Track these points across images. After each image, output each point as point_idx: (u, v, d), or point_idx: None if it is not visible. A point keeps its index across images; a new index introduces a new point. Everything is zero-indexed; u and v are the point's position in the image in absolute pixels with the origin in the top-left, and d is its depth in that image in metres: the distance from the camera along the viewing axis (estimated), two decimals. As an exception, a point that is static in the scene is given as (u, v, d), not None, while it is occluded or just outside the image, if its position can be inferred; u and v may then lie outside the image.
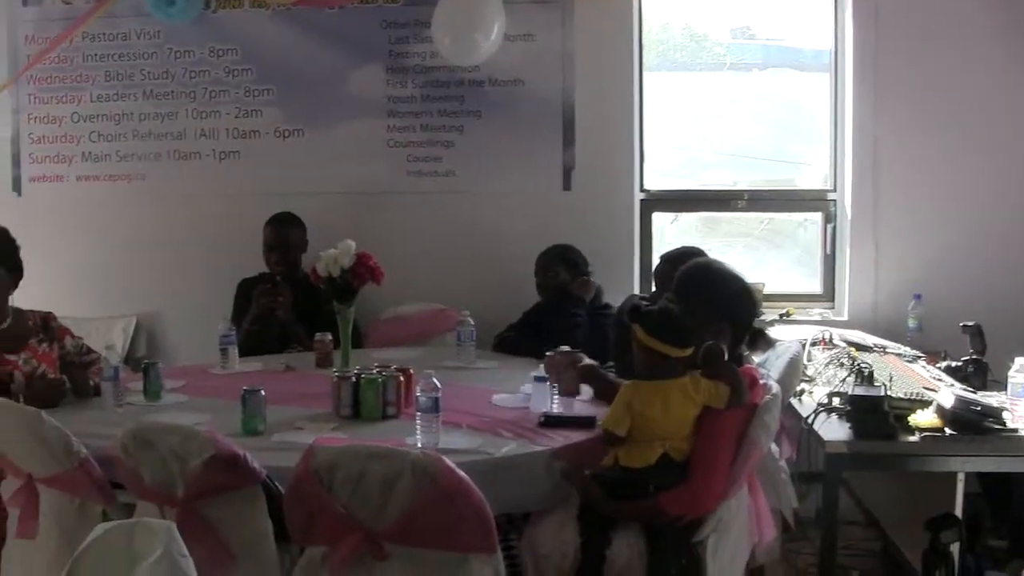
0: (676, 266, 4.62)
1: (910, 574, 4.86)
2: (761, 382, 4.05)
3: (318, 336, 5.22)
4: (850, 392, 4.45)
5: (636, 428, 3.83)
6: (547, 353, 4.54)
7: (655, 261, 6.11)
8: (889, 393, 4.42)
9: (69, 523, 3.83)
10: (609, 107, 6.14)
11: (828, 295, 6.39)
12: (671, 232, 6.41)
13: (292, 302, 5.64)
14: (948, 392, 4.44)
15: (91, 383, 4.60)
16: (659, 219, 6.36)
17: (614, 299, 5.75)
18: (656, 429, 3.83)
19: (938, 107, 6.10)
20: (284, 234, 5.90)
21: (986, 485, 4.91)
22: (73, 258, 6.51)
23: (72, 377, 4.60)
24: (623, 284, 5.99)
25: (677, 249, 5.04)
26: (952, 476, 4.41)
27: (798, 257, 6.53)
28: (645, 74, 6.25)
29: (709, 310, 4.00)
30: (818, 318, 6.21)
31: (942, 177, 6.15)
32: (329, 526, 3.31)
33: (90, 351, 4.76)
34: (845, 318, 6.21)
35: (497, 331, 5.67)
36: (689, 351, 3.84)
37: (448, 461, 3.27)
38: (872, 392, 4.41)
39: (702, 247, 5.18)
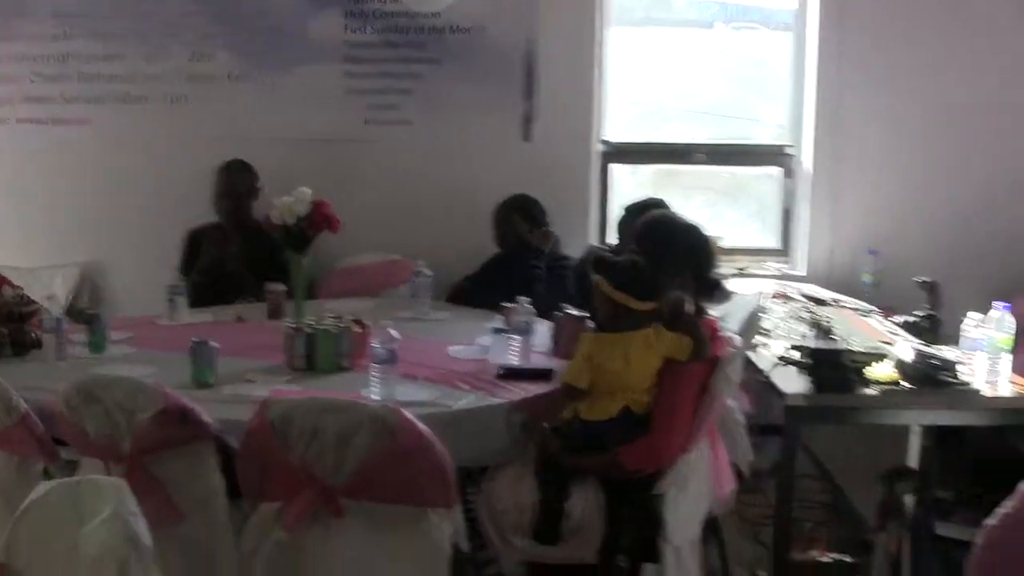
0: (638, 217, 4.58)
1: (862, 526, 4.89)
2: (722, 335, 4.02)
3: (270, 286, 5.13)
4: (810, 346, 4.41)
5: (597, 381, 3.79)
6: (557, 313, 4.45)
7: (613, 212, 6.12)
8: (849, 347, 4.39)
9: (8, 482, 3.68)
10: (571, 58, 6.04)
11: (784, 249, 6.36)
12: (629, 184, 6.35)
13: (243, 251, 5.54)
14: (906, 346, 4.44)
15: (31, 335, 4.46)
16: (618, 171, 6.29)
17: (572, 250, 5.72)
18: (617, 382, 3.79)
19: (899, 65, 6.05)
20: (235, 181, 5.79)
21: (937, 437, 4.91)
22: (12, 205, 6.34)
23: (11, 329, 4.46)
24: (581, 235, 5.94)
25: (641, 200, 4.97)
26: (906, 429, 4.42)
27: (756, 212, 6.49)
28: (607, 28, 6.15)
29: (673, 262, 3.96)
30: (775, 272, 6.18)
31: (900, 134, 6.12)
32: (283, 481, 3.24)
33: (31, 301, 4.61)
34: (801, 272, 6.18)
35: (454, 281, 5.60)
36: (652, 304, 3.80)
37: (407, 414, 3.21)
38: (832, 346, 4.40)
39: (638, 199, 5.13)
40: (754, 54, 6.45)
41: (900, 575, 3.91)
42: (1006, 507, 2.80)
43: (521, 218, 5.56)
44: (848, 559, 4.66)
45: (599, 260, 3.89)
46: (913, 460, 4.42)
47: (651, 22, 6.44)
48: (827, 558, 4.69)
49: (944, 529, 4.86)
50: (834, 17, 6.05)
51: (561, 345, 4.30)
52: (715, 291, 4.10)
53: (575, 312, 4.37)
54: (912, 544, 3.94)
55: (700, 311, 4.02)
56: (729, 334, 4.13)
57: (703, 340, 3.81)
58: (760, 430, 4.72)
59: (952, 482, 5.20)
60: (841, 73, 6.08)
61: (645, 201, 4.95)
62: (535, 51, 6.03)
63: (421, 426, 3.20)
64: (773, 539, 4.36)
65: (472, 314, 5.12)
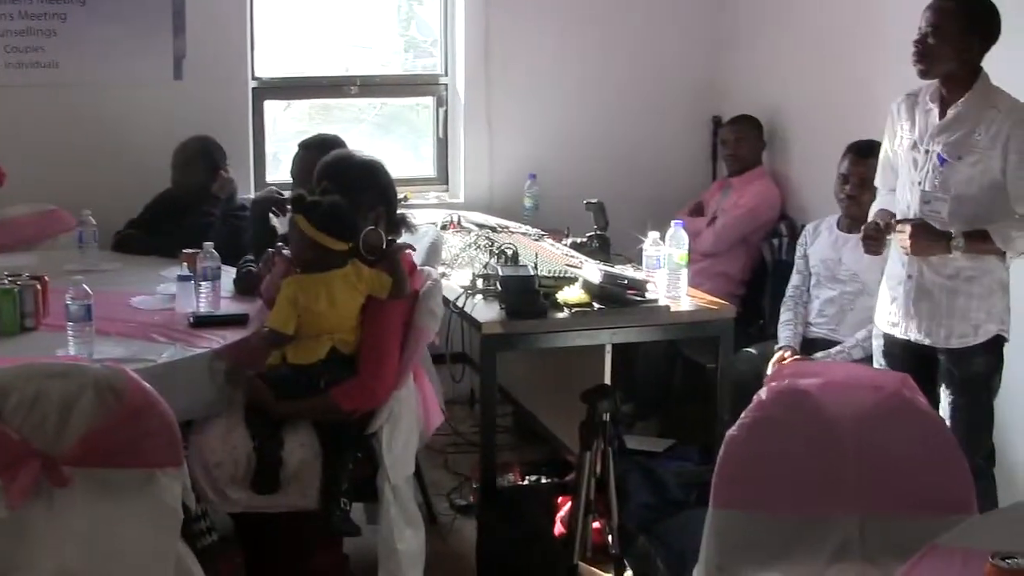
0: (317, 154, 4.50)
1: (552, 442, 5.02)
2: (419, 269, 4.02)
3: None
4: (500, 273, 4.45)
5: (303, 324, 3.74)
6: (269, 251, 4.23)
7: (269, 150, 5.98)
8: (537, 272, 4.46)
9: None
10: (219, -9, 5.81)
11: (442, 178, 6.40)
12: (284, 120, 6.23)
13: None
14: (594, 268, 4.55)
15: None
16: (271, 107, 6.13)
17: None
18: (323, 323, 3.75)
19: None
20: None
21: (618, 354, 5.08)
22: None
23: None
24: (238, 174, 5.69)
25: (315, 136, 4.86)
26: (600, 348, 4.54)
27: (412, 142, 6.49)
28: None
29: (367, 199, 3.92)
30: (435, 201, 6.22)
31: (552, 60, 6.29)
32: (1, 456, 2.99)
33: None
34: (461, 200, 6.26)
35: (113, 229, 5.31)
36: (350, 243, 3.76)
37: (133, 373, 3.03)
38: (521, 272, 4.45)
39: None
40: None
41: (607, 490, 4.02)
42: (744, 416, 2.92)
43: (203, 163, 5.30)
44: (551, 480, 4.77)
45: (299, 199, 3.79)
46: (607, 379, 4.54)
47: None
48: (528, 481, 4.78)
49: (629, 441, 5.08)
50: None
51: (266, 287, 4.14)
52: (403, 226, 4.08)
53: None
54: (613, 459, 4.06)
55: (393, 246, 3.99)
56: (425, 267, 4.14)
57: (403, 277, 3.81)
58: (454, 359, 4.77)
59: (629, 396, 5.44)
60: (491, 2, 6.13)
61: (320, 137, 4.84)
62: (183, -14, 5.74)
63: (146, 385, 3.03)
64: (481, 467, 4.40)
65: (146, 262, 4.88)
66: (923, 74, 3.80)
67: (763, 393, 2.97)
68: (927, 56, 3.75)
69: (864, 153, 4.76)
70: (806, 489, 2.88)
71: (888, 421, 2.89)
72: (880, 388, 2.96)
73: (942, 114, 3.81)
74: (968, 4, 3.74)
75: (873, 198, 4.31)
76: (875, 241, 3.91)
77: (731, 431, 2.93)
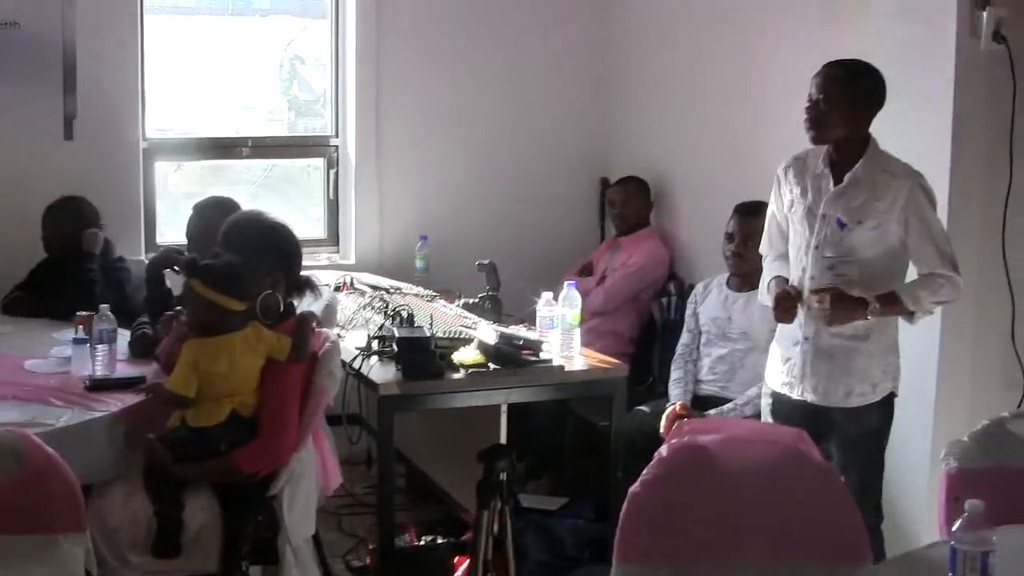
0: (210, 215, 4.54)
1: (447, 502, 5.04)
2: (317, 330, 4.04)
3: None
4: (396, 334, 4.48)
5: (203, 386, 3.73)
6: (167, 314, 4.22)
7: (160, 211, 5.96)
8: (434, 333, 4.50)
9: None
10: (111, 51, 5.76)
11: (333, 239, 6.43)
12: (175, 181, 6.21)
13: None
14: (488, 329, 4.60)
15: None
16: (162, 168, 6.12)
17: (124, 250, 5.50)
18: (224, 386, 3.75)
19: (440, 51, 6.31)
20: None
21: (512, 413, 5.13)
22: None
23: None
24: (129, 236, 5.71)
25: (211, 198, 4.87)
26: (495, 408, 4.59)
27: (302, 204, 6.51)
28: (147, 16, 5.94)
29: (266, 261, 3.93)
30: (326, 262, 6.24)
31: (443, 121, 6.38)
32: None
33: None
34: (352, 261, 6.29)
35: (2, 293, 5.25)
36: (247, 303, 3.77)
37: (35, 437, 3.01)
38: (417, 333, 4.48)
39: (204, 196, 5.06)
40: (296, 43, 6.45)
41: (504, 549, 4.06)
42: (646, 473, 2.98)
43: (71, 220, 5.26)
44: (447, 540, 4.79)
45: (191, 263, 3.80)
46: (503, 438, 4.59)
47: (191, 11, 6.30)
48: (424, 541, 4.80)
49: (524, 500, 5.11)
50: (371, 7, 6.16)
51: (163, 350, 4.12)
52: (304, 288, 4.10)
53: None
54: (510, 518, 4.10)
55: (292, 307, 4.02)
56: (323, 329, 4.17)
57: (305, 341, 3.84)
58: (350, 421, 4.78)
59: (522, 454, 5.47)
60: (380, 59, 6.22)
61: (215, 199, 4.86)
62: (74, 45, 5.68)
63: (49, 449, 3.02)
64: (379, 528, 4.40)
65: (37, 324, 4.84)
66: (815, 140, 3.91)
67: (663, 450, 3.03)
68: (819, 122, 3.87)
69: (750, 212, 4.87)
70: (707, 541, 2.94)
71: (785, 474, 2.97)
72: (776, 443, 3.05)
73: (837, 179, 3.92)
74: (856, 72, 3.87)
75: (758, 256, 4.40)
76: (789, 311, 3.96)
77: (633, 487, 2.99)
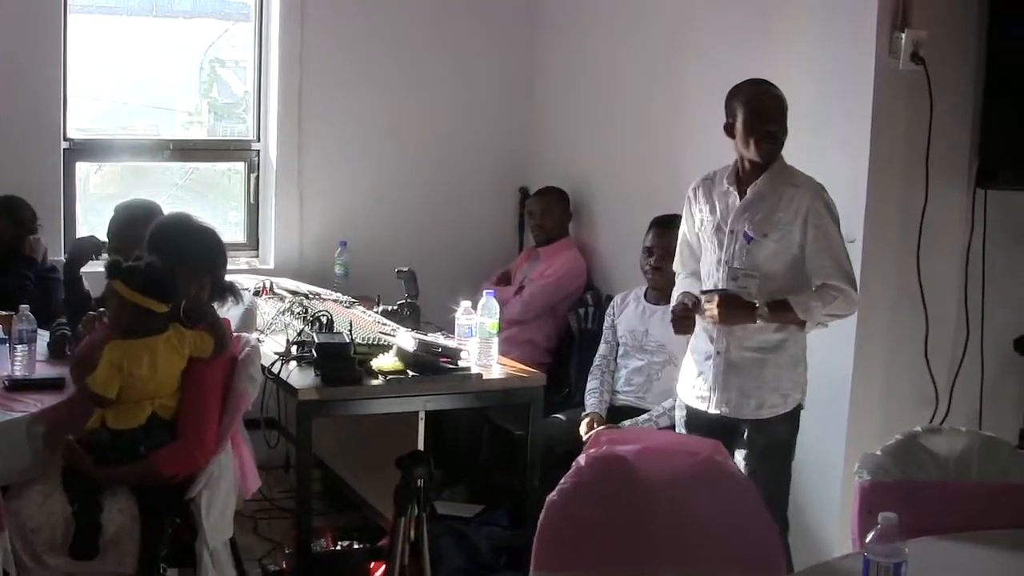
0: (132, 216, 4.58)
1: (363, 508, 5.06)
2: (237, 334, 4.06)
3: None
4: (315, 340, 4.50)
5: (124, 388, 3.72)
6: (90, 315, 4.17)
7: (79, 213, 5.91)
8: (353, 339, 4.52)
9: None
10: (32, 50, 5.71)
11: (253, 244, 6.43)
12: (95, 182, 6.17)
13: None
14: (407, 336, 4.63)
15: None
16: (83, 169, 6.08)
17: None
18: (145, 388, 3.75)
19: (363, 57, 6.34)
20: None
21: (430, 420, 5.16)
22: None
23: None
24: (50, 237, 5.61)
25: (133, 200, 4.86)
26: (412, 415, 4.61)
27: (222, 207, 6.49)
28: (70, 16, 5.89)
29: (192, 264, 3.94)
30: (245, 266, 6.23)
31: (365, 128, 6.40)
32: None
33: None
34: (271, 266, 6.29)
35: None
36: (170, 305, 3.77)
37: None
38: (337, 339, 4.50)
39: (127, 198, 5.07)
40: (217, 46, 6.44)
41: (421, 556, 4.09)
42: (563, 482, 3.03)
43: (8, 222, 5.22)
44: (364, 545, 4.81)
45: (114, 265, 3.78)
46: (420, 445, 4.62)
47: (105, 10, 6.24)
48: (340, 546, 4.81)
49: (440, 507, 5.15)
50: (296, 11, 6.17)
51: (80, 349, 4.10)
52: (227, 293, 4.12)
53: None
54: (427, 524, 4.13)
55: (212, 310, 4.03)
56: (243, 334, 4.18)
57: (224, 335, 3.85)
58: (268, 425, 4.80)
59: (438, 462, 5.50)
60: (304, 68, 6.23)
61: (137, 201, 4.86)
62: (-9, 44, 5.63)
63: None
64: (297, 532, 4.43)
65: (-44, 326, 4.77)
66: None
67: (581, 459, 3.08)
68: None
69: (667, 226, 4.94)
70: (624, 551, 2.99)
71: (701, 485, 3.03)
72: (694, 454, 3.11)
73: (742, 194, 4.02)
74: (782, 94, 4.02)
75: None
76: (685, 320, 4.07)
77: (551, 496, 3.03)
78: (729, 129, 4.03)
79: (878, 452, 3.24)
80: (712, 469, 3.07)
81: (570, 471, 3.06)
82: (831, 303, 3.89)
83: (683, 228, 4.29)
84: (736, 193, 4.04)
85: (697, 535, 2.98)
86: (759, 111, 3.95)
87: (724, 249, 4.03)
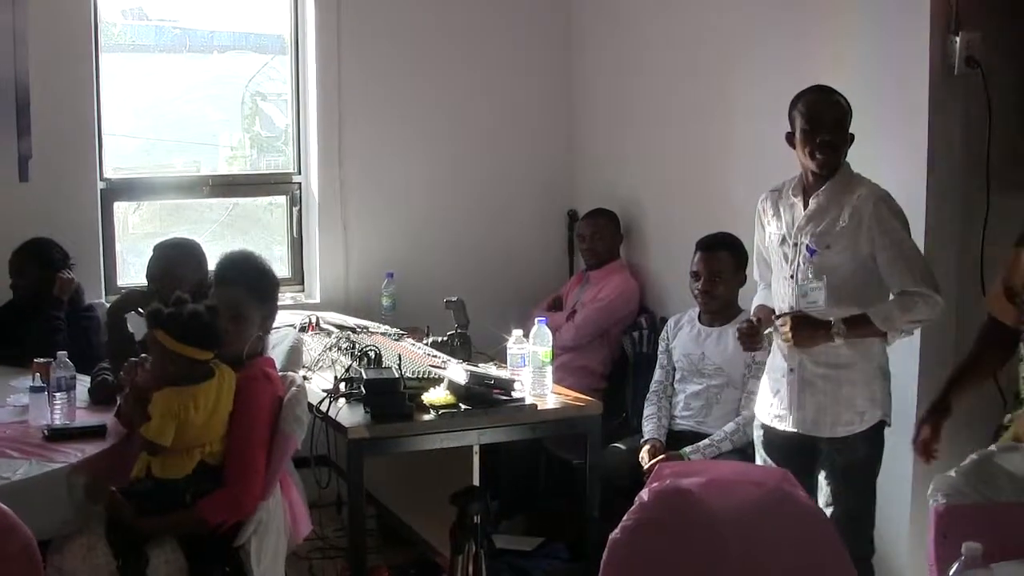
0: (172, 256, 4.62)
1: (419, 545, 4.94)
2: (280, 375, 3.96)
3: None
4: (364, 376, 4.38)
5: (177, 436, 3.62)
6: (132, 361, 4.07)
7: (119, 252, 5.84)
8: (402, 374, 4.40)
9: None
10: (66, 91, 5.64)
11: (297, 278, 6.32)
12: (134, 222, 6.11)
13: None
14: (458, 368, 4.51)
15: None
16: (121, 208, 5.99)
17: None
18: (196, 436, 3.67)
19: (401, 85, 6.22)
20: None
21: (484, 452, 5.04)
22: None
23: None
24: (88, 278, 5.56)
25: (172, 239, 4.81)
26: (467, 449, 4.48)
27: (265, 242, 6.40)
28: (103, 55, 5.82)
29: (263, 303, 3.96)
30: (291, 302, 6.12)
31: (408, 158, 6.30)
32: None
33: None
34: (317, 300, 6.19)
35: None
36: (214, 352, 3.69)
37: (-11, 494, 2.90)
38: (386, 375, 4.38)
39: (167, 236, 5.06)
40: (256, 80, 6.37)
41: (480, 593, 3.98)
42: (627, 519, 2.89)
43: (38, 265, 5.16)
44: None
45: (156, 314, 3.69)
46: (476, 479, 4.49)
47: (140, 48, 6.19)
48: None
49: (498, 541, 5.01)
50: (332, 43, 6.07)
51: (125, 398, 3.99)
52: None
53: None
54: (485, 561, 4.02)
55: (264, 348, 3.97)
56: (288, 372, 4.08)
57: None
58: (319, 464, 4.69)
59: (494, 494, 5.37)
60: (342, 96, 6.13)
61: (175, 240, 4.82)
62: (27, 85, 5.54)
63: (3, 506, 2.90)
64: (352, 573, 4.30)
65: (-6, 372, 4.72)
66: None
67: (644, 494, 2.93)
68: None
69: (711, 247, 4.84)
70: (692, 588, 2.86)
71: (770, 517, 2.88)
72: (761, 484, 2.95)
73: (806, 205, 3.88)
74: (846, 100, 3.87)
75: (728, 290, 4.59)
76: (751, 338, 3.96)
77: (613, 534, 2.90)
78: (790, 139, 3.89)
79: (952, 474, 3.12)
80: (780, 500, 2.91)
81: (633, 507, 2.93)
82: (912, 309, 3.72)
83: (756, 239, 4.19)
84: (801, 204, 3.91)
85: (767, 570, 2.83)
86: (814, 120, 3.80)
87: (789, 262, 3.91)
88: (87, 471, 3.66)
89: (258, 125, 6.51)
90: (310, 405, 4.22)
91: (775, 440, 4.05)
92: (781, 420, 4.00)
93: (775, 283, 4.03)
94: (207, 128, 6.40)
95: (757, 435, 4.17)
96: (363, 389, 4.35)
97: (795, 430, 3.95)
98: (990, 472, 3.11)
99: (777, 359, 4.02)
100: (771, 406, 4.04)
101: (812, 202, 3.86)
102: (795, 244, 3.89)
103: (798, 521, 2.89)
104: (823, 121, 3.80)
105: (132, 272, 5.84)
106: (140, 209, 6.20)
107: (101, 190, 5.86)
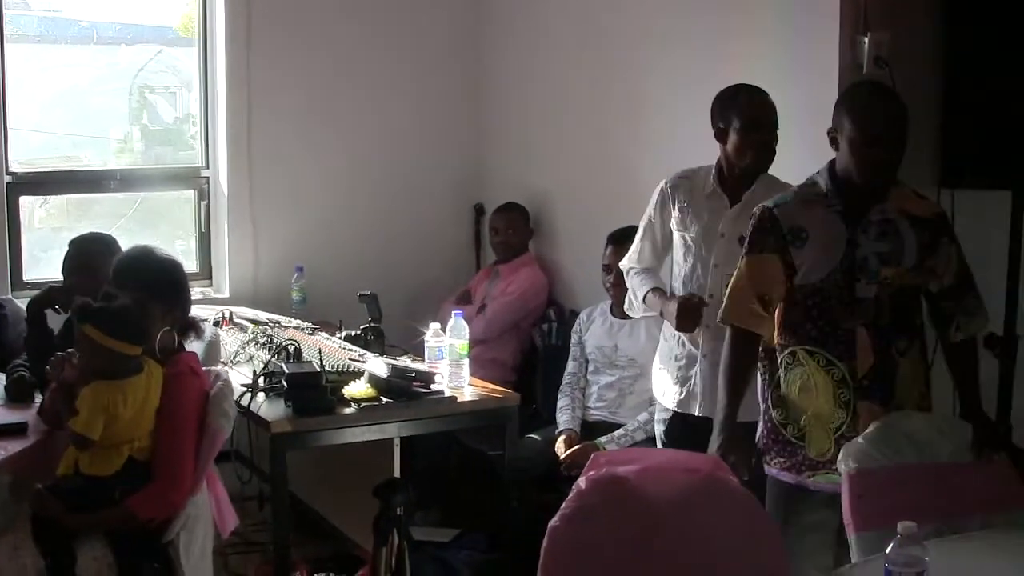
0: (89, 250, 4.51)
1: (337, 538, 4.96)
2: (205, 370, 3.96)
3: None
4: (285, 371, 4.38)
5: (105, 431, 3.60)
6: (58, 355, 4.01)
7: (25, 248, 5.75)
8: (323, 368, 4.41)
9: None
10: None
11: (206, 273, 6.27)
12: (40, 216, 6.01)
13: None
14: (379, 362, 4.54)
15: None
16: (27, 203, 5.89)
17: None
18: (124, 431, 3.64)
19: (311, 82, 6.22)
20: None
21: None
22: None
23: None
24: (-7, 275, 5.51)
25: (89, 234, 4.73)
26: (386, 442, 4.52)
27: (174, 237, 6.35)
28: (7, 45, 5.69)
29: (161, 298, 3.86)
30: (199, 296, 6.07)
31: (317, 151, 6.28)
32: None
33: None
34: (226, 295, 6.14)
35: None
36: (143, 346, 3.69)
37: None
38: (307, 368, 4.39)
39: (75, 231, 5.01)
40: (160, 72, 6.32)
41: (404, 584, 4.01)
42: (564, 507, 2.96)
43: None
44: (342, 577, 4.72)
45: (84, 308, 3.66)
46: (397, 472, 4.53)
47: (45, 39, 6.07)
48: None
49: (415, 532, 5.04)
50: (241, 34, 6.03)
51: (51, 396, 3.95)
52: (191, 329, 4.02)
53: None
54: (408, 552, 4.05)
55: (181, 347, 3.94)
56: (212, 367, 4.08)
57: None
58: (239, 459, 4.69)
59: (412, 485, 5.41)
60: (252, 92, 6.09)
61: (93, 235, 4.74)
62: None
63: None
64: (274, 568, 4.32)
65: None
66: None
67: (582, 482, 3.00)
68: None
69: (622, 241, 4.87)
70: (630, 573, 2.93)
71: (704, 502, 2.97)
72: (695, 471, 3.04)
73: (732, 199, 4.00)
74: None
75: None
76: (697, 313, 4.00)
77: (552, 522, 2.96)
78: (721, 136, 3.98)
79: (860, 440, 3.28)
80: (714, 486, 3.01)
81: (571, 495, 2.99)
82: None
83: (650, 222, 4.24)
84: (726, 197, 4.00)
85: (704, 554, 2.92)
86: (757, 121, 3.93)
87: (715, 253, 3.98)
88: (11, 469, 3.63)
89: (146, 118, 6.43)
90: (230, 399, 4.21)
91: (680, 427, 4.15)
92: (688, 405, 4.11)
93: (687, 271, 4.12)
94: (103, 121, 6.30)
95: (660, 419, 4.28)
96: (284, 383, 4.35)
97: (705, 415, 4.00)
98: (893, 437, 3.27)
99: (679, 348, 4.12)
100: (677, 393, 4.15)
101: (745, 196, 3.96)
102: (722, 234, 3.98)
103: (731, 505, 2.99)
104: (764, 122, 3.96)
105: (39, 267, 5.75)
106: (47, 204, 6.10)
107: (7, 184, 5.75)
